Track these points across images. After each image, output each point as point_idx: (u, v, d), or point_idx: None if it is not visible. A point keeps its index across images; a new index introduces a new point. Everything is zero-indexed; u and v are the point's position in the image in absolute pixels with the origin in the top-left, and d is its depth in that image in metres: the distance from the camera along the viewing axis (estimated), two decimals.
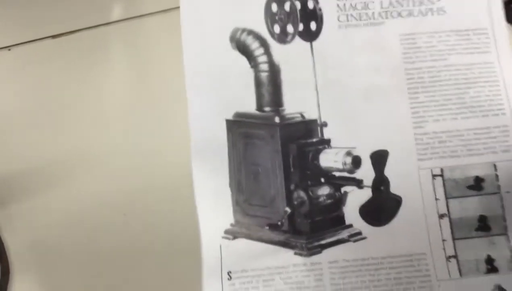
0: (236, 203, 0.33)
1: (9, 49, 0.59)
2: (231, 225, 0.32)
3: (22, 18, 0.64)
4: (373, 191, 0.33)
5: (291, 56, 0.34)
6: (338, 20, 0.34)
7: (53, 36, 0.59)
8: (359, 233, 0.32)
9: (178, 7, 0.60)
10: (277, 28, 0.34)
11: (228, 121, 0.33)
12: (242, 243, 0.32)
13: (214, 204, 0.32)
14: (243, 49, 0.34)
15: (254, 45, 0.34)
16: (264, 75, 0.34)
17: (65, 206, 0.47)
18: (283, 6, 0.34)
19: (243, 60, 0.34)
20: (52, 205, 0.47)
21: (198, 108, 0.33)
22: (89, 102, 0.55)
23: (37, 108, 0.55)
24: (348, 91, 0.34)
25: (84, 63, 0.59)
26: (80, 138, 0.52)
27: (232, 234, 0.32)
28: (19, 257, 0.44)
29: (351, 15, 0.34)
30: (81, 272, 0.43)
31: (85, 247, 0.44)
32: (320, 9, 0.34)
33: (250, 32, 0.34)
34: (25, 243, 0.45)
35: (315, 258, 0.31)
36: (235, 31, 0.34)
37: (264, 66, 0.34)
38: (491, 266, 0.31)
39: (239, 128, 0.33)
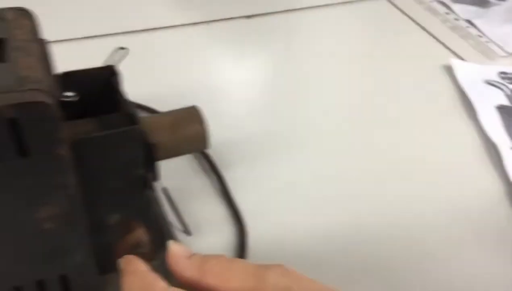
0: None
1: (208, 24, 0.67)
2: None
3: None
4: None
5: None
6: None
7: (247, 16, 0.69)
8: None
9: (333, 4, 0.73)
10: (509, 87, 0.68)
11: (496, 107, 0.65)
12: None
13: None
14: (493, 85, 0.68)
15: (496, 83, 0.68)
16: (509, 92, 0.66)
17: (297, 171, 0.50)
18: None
19: (494, 88, 0.67)
20: (284, 169, 0.50)
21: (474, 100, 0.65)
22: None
23: (244, 80, 0.59)
24: None
25: (276, 43, 0.65)
26: (300, 110, 0.57)
27: None
28: (252, 218, 0.44)
29: None
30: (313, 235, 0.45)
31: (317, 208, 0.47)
32: None
33: (490, 81, 0.68)
34: (256, 203, 0.46)
35: None
36: (483, 79, 0.68)
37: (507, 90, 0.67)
38: None
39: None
